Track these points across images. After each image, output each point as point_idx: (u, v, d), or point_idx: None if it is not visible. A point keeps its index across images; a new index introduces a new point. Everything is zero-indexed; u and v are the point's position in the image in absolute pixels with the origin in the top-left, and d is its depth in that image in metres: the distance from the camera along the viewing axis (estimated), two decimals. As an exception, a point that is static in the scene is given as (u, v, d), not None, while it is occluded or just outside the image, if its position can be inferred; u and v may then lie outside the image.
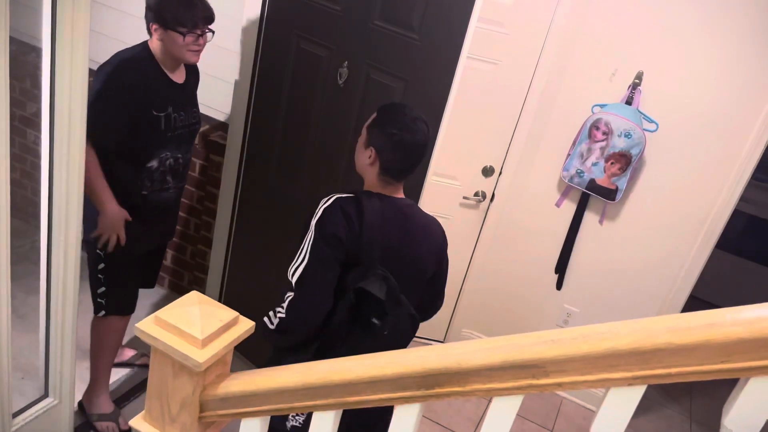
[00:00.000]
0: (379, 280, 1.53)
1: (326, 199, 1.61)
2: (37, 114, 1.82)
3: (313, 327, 1.57)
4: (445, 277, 1.84)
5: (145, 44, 2.11)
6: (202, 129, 2.78)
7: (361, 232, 1.55)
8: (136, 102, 2.06)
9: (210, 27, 2.08)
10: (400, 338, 1.64)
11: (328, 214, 1.57)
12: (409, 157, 1.61)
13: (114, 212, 2.13)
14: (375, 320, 1.54)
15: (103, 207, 2.11)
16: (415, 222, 1.68)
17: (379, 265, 1.55)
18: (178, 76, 2.18)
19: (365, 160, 1.63)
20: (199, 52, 2.09)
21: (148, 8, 2.03)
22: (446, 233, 1.79)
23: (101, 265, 2.23)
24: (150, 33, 2.05)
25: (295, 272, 1.56)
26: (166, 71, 2.12)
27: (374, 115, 1.64)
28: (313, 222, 1.57)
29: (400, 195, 1.69)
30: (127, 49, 2.12)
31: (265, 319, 1.60)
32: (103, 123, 2.03)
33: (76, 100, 1.77)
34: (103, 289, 2.27)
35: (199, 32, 2.03)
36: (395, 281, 1.55)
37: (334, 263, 1.55)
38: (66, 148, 1.82)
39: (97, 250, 2.21)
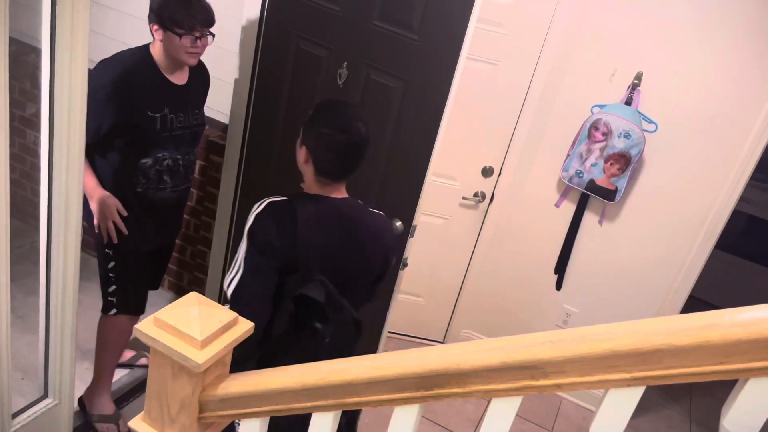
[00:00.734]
0: (318, 286, 1.47)
1: (258, 204, 1.54)
2: (37, 114, 1.82)
3: (254, 338, 1.53)
4: (385, 275, 1.79)
5: (146, 45, 2.12)
6: (201, 129, 2.79)
7: (295, 237, 1.49)
8: (127, 100, 2.06)
9: (210, 30, 2.07)
10: (344, 344, 1.57)
11: (259, 222, 1.51)
12: (343, 158, 1.54)
13: (101, 198, 2.14)
14: (318, 325, 1.50)
15: (88, 194, 2.13)
16: (359, 223, 1.62)
17: (317, 270, 1.50)
18: (179, 78, 2.17)
19: (300, 158, 1.58)
20: (197, 54, 2.09)
21: (150, 9, 2.03)
22: (446, 234, 1.79)
23: (111, 264, 2.25)
24: (151, 34, 2.06)
25: (230, 284, 1.50)
26: (164, 72, 2.12)
27: (310, 112, 1.59)
28: (246, 230, 1.51)
29: (341, 195, 1.62)
30: (128, 49, 2.13)
31: None
32: (91, 117, 2.03)
33: (76, 100, 1.77)
34: (113, 287, 2.28)
35: (197, 34, 2.03)
36: (334, 286, 1.50)
37: (269, 272, 1.49)
38: (65, 148, 1.82)
39: (106, 249, 2.23)
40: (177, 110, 2.18)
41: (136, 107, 2.08)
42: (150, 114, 2.11)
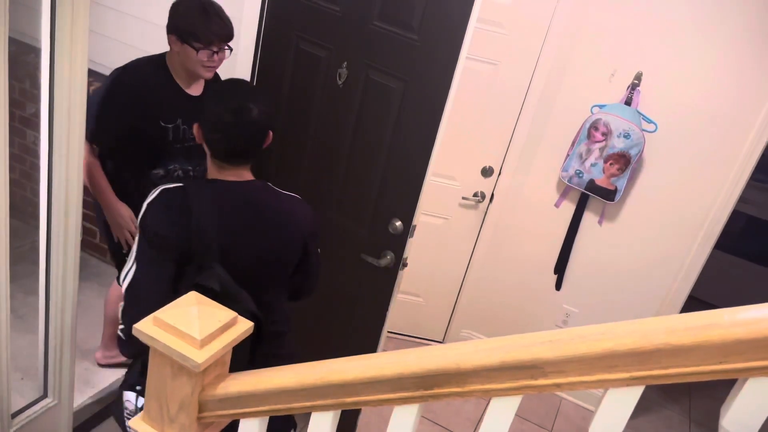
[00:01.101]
0: (214, 275, 1.41)
1: (151, 192, 1.49)
2: (37, 114, 1.82)
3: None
4: (315, 265, 1.73)
5: (162, 54, 2.10)
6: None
7: (188, 225, 1.43)
8: (140, 109, 2.04)
9: (228, 44, 2.03)
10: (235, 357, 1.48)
11: (150, 211, 1.46)
12: (230, 139, 1.49)
13: (117, 210, 2.15)
14: None
15: (106, 206, 2.14)
16: (263, 208, 1.56)
17: (215, 259, 1.44)
18: (194, 89, 2.15)
19: (196, 137, 1.55)
20: (213, 68, 2.05)
21: (168, 20, 2.00)
22: (445, 234, 1.77)
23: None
24: (168, 43, 2.03)
25: (124, 279, 1.46)
26: (179, 83, 2.10)
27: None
28: (138, 221, 1.48)
29: (245, 178, 1.55)
30: (144, 57, 2.11)
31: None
32: (103, 123, 2.03)
33: (76, 100, 1.77)
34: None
35: (215, 49, 1.99)
36: (239, 275, 1.43)
37: (163, 263, 1.45)
38: (65, 148, 1.82)
39: (123, 252, 2.25)
40: (190, 121, 2.13)
41: (150, 117, 2.06)
42: (162, 124, 2.09)
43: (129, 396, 1.56)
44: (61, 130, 1.79)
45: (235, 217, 1.51)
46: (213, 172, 1.55)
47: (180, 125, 2.12)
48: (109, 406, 1.50)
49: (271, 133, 1.58)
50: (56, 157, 1.83)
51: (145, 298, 1.44)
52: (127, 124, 2.04)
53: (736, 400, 0.78)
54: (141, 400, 1.52)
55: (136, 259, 1.46)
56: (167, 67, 2.08)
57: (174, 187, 1.49)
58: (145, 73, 2.05)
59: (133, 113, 2.03)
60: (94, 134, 2.04)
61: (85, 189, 1.99)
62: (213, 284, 1.38)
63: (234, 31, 2.02)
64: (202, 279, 1.39)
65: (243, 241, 1.52)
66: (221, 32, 1.98)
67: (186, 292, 1.38)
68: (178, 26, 1.96)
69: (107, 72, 2.94)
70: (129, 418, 1.56)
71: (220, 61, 2.03)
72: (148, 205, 1.48)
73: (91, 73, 2.83)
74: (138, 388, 1.55)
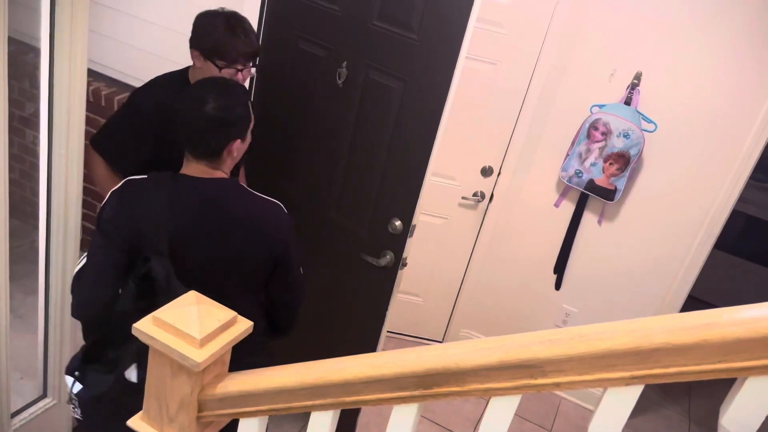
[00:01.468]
0: (159, 267, 1.41)
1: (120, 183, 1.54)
2: (36, 114, 1.82)
3: (91, 319, 1.51)
4: (292, 276, 1.66)
5: (184, 70, 2.00)
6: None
7: (138, 216, 1.46)
8: (158, 124, 1.91)
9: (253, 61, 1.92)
10: None
11: (107, 201, 1.50)
12: (184, 127, 1.50)
13: None
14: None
15: None
16: (226, 208, 1.53)
17: (165, 252, 1.44)
18: None
19: None
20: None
21: (192, 35, 1.89)
22: (445, 233, 1.76)
23: None
24: (191, 58, 1.92)
25: (78, 264, 1.52)
26: None
27: None
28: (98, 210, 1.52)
29: (212, 175, 1.53)
30: (167, 73, 2.01)
31: None
32: (118, 138, 1.97)
33: (75, 100, 1.78)
34: None
35: (239, 67, 1.88)
36: (178, 273, 1.43)
37: (109, 251, 1.47)
38: (65, 148, 1.82)
39: None
40: None
41: (167, 130, 1.99)
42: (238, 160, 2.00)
43: (68, 380, 1.56)
44: (61, 130, 1.79)
45: (189, 213, 1.49)
46: (184, 165, 1.56)
47: None
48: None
49: (238, 140, 1.53)
50: (56, 157, 1.83)
51: (89, 284, 1.49)
52: (151, 146, 1.93)
53: (735, 399, 0.78)
54: (78, 386, 1.53)
55: (89, 246, 1.50)
56: (188, 81, 1.96)
57: (139, 178, 1.52)
58: (163, 88, 1.95)
59: (147, 127, 1.93)
60: (114, 159, 1.97)
61: (85, 188, 1.98)
62: (157, 276, 1.40)
63: (259, 46, 1.93)
64: (148, 269, 1.42)
65: (196, 239, 1.50)
66: (247, 50, 1.87)
67: (131, 283, 1.44)
68: (201, 43, 1.86)
69: (106, 72, 2.96)
70: (71, 402, 1.57)
71: (245, 79, 1.92)
72: (110, 193, 1.51)
73: (91, 73, 2.83)
74: (76, 374, 1.54)
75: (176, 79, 1.94)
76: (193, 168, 1.54)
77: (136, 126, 1.95)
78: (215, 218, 1.51)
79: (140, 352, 1.44)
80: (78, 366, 1.54)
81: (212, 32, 1.83)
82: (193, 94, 1.51)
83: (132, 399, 1.35)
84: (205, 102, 1.47)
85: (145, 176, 1.52)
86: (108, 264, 1.48)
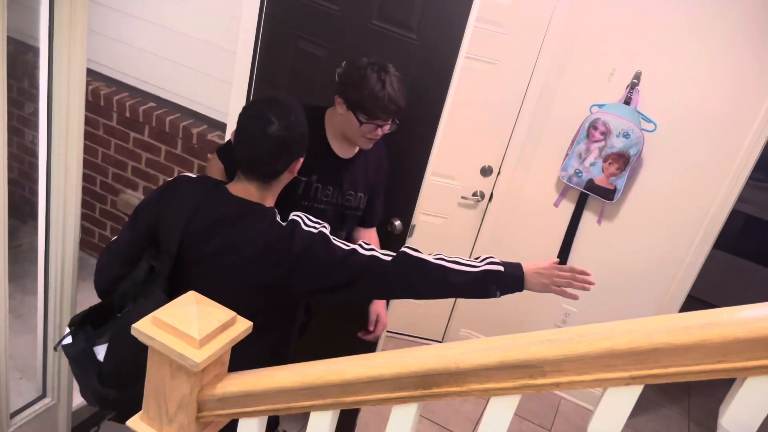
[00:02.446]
0: (160, 262, 1.48)
1: None
2: (35, 114, 1.82)
3: (98, 287, 1.61)
4: (321, 277, 1.53)
5: (322, 108, 1.93)
6: (199, 129, 2.79)
7: (163, 211, 1.53)
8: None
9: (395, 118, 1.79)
10: (119, 345, 1.49)
11: (153, 190, 1.60)
12: (240, 144, 1.50)
13: None
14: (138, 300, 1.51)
15: None
16: (231, 226, 1.50)
17: (171, 251, 1.48)
18: (345, 150, 1.91)
19: None
20: (373, 141, 1.84)
21: (338, 80, 1.83)
22: (445, 233, 1.75)
23: None
24: (335, 102, 1.84)
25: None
26: (330, 141, 1.88)
27: None
28: None
29: (248, 197, 1.52)
30: (306, 105, 1.88)
31: None
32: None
33: (74, 99, 1.77)
34: None
35: (379, 123, 1.78)
36: (167, 270, 1.47)
37: (129, 233, 1.58)
38: (64, 148, 1.82)
39: None
40: (328, 182, 1.91)
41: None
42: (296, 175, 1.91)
43: (66, 330, 1.60)
44: (60, 130, 1.79)
45: (205, 225, 1.49)
46: (234, 180, 1.55)
47: (314, 182, 1.89)
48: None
49: (300, 159, 1.53)
50: (55, 157, 1.83)
51: (105, 256, 1.62)
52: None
53: (735, 399, 0.78)
54: (68, 339, 1.57)
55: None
56: (323, 119, 1.89)
57: (187, 177, 1.59)
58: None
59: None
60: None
61: (84, 188, 1.98)
62: (158, 267, 1.48)
63: (403, 101, 1.79)
64: (151, 258, 1.51)
65: (203, 251, 1.50)
66: (391, 107, 1.76)
67: (139, 270, 1.51)
68: (349, 94, 1.76)
69: (106, 71, 2.95)
70: (56, 349, 1.65)
71: (383, 133, 1.82)
72: (164, 182, 1.63)
73: (90, 73, 2.83)
74: (72, 328, 1.58)
75: (311, 111, 1.76)
76: (241, 187, 1.52)
77: None
78: (224, 237, 1.50)
79: (115, 336, 1.49)
80: (77, 322, 1.57)
81: (362, 87, 1.74)
82: (255, 113, 1.50)
83: (90, 375, 1.48)
84: (266, 122, 1.45)
85: (198, 176, 1.59)
86: (124, 244, 1.58)
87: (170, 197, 1.55)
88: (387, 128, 1.80)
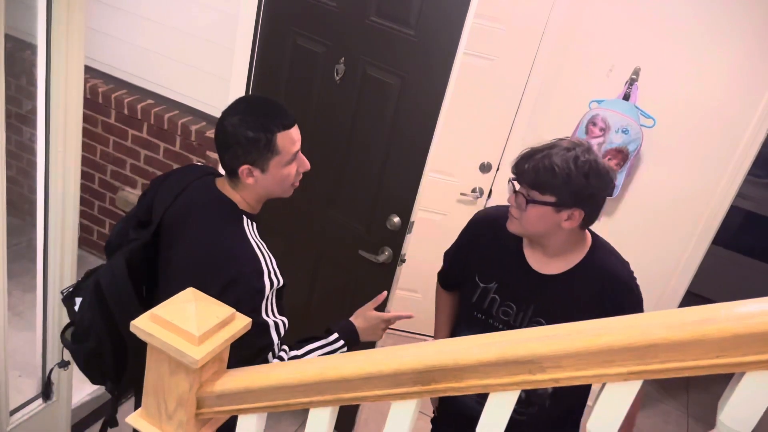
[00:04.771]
0: (135, 233, 1.52)
1: None
2: (33, 111, 1.82)
3: (105, 246, 1.65)
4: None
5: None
6: (197, 126, 2.79)
7: (159, 190, 1.59)
8: (470, 252, 1.75)
9: (531, 196, 1.49)
10: (83, 299, 1.54)
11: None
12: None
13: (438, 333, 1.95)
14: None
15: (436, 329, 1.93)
16: (197, 220, 1.51)
17: (152, 228, 1.53)
18: (545, 264, 1.59)
19: None
20: (512, 217, 1.56)
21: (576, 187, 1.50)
22: (444, 230, 1.75)
23: None
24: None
25: None
26: (525, 246, 1.62)
27: None
28: None
29: (228, 193, 1.51)
30: (501, 208, 1.71)
31: None
32: (449, 252, 1.90)
33: (72, 96, 1.77)
34: None
35: (513, 192, 1.54)
36: (139, 242, 1.51)
37: (140, 200, 1.65)
38: (62, 145, 1.82)
39: None
40: (510, 297, 1.62)
41: (470, 264, 1.71)
42: (476, 279, 1.67)
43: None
44: (58, 127, 1.79)
45: (180, 210, 1.54)
46: None
47: (493, 294, 1.65)
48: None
49: (247, 166, 1.44)
50: (53, 154, 1.83)
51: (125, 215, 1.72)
52: (453, 261, 1.85)
53: (733, 394, 0.78)
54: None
55: None
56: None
57: (193, 165, 1.72)
58: (496, 219, 1.66)
59: (464, 254, 1.78)
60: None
61: (82, 186, 1.98)
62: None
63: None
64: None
65: (171, 234, 1.54)
66: (529, 178, 1.51)
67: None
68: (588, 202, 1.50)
69: (104, 69, 2.95)
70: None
71: (517, 210, 1.54)
72: None
73: (88, 70, 2.82)
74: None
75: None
76: (221, 179, 1.55)
77: (461, 238, 1.88)
78: (186, 226, 1.52)
79: (86, 289, 1.53)
80: (90, 273, 1.61)
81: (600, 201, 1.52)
82: (231, 103, 1.51)
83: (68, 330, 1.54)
84: (226, 114, 1.47)
85: (198, 165, 1.67)
86: (130, 214, 1.66)
87: (166, 179, 1.63)
88: (520, 203, 1.51)
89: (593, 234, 1.66)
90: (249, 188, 1.50)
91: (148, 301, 1.54)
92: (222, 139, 1.47)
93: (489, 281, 1.64)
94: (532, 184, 1.47)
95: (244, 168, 1.45)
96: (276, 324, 1.44)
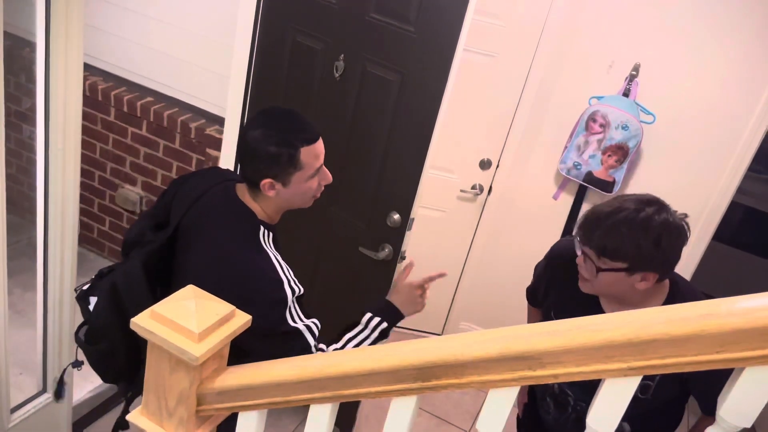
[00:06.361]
0: (153, 235, 1.53)
1: None
2: (32, 109, 1.82)
3: (125, 240, 1.63)
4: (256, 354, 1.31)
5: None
6: (197, 123, 2.78)
7: (178, 192, 1.60)
8: (548, 290, 1.77)
9: (601, 262, 1.44)
10: (98, 300, 1.53)
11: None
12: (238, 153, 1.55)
13: None
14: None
15: None
16: (214, 230, 1.50)
17: (170, 230, 1.53)
18: (611, 305, 1.59)
19: None
20: (583, 278, 1.53)
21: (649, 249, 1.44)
22: (444, 226, 1.74)
23: None
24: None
25: None
26: (600, 297, 1.61)
27: None
28: None
29: (239, 196, 1.51)
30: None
31: None
32: (533, 283, 1.93)
33: (71, 94, 1.77)
34: None
35: (582, 254, 1.50)
36: (157, 244, 1.51)
37: (157, 202, 1.67)
38: (61, 143, 1.81)
39: None
40: None
41: (549, 297, 1.75)
42: (551, 315, 1.72)
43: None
44: (58, 125, 1.79)
45: (196, 216, 1.53)
46: None
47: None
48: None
49: (269, 180, 1.43)
50: (52, 152, 1.82)
51: (142, 213, 1.80)
52: (537, 287, 1.87)
53: (733, 389, 0.78)
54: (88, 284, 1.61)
55: None
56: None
57: (216, 168, 1.70)
58: (561, 260, 1.67)
59: (546, 282, 1.78)
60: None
61: (82, 184, 1.98)
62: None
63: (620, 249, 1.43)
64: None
65: (187, 239, 1.53)
66: (595, 242, 1.46)
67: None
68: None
69: (103, 66, 2.94)
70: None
71: (588, 277, 1.51)
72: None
73: (88, 68, 2.82)
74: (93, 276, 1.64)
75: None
76: (241, 187, 1.53)
77: (538, 270, 1.93)
78: (203, 232, 1.51)
79: (99, 291, 1.53)
80: (104, 273, 1.61)
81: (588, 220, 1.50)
82: (254, 114, 1.56)
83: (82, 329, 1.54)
84: (249, 127, 1.46)
85: (219, 169, 1.69)
86: (146, 214, 1.66)
87: (186, 182, 1.63)
88: (590, 268, 1.48)
89: (672, 281, 1.60)
90: (269, 200, 1.49)
91: None
92: (244, 151, 1.46)
93: (561, 313, 1.66)
94: (602, 252, 1.43)
95: (266, 182, 1.44)
96: (308, 327, 1.45)
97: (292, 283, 1.44)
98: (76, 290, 1.64)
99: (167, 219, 1.58)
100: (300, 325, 1.43)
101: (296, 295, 1.45)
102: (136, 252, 1.50)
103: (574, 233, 1.54)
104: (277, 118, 1.48)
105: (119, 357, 1.52)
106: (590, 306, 1.60)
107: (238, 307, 1.22)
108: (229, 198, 1.51)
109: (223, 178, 1.60)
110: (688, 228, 1.46)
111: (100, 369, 1.60)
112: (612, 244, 1.41)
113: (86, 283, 1.61)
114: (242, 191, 1.52)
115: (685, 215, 1.48)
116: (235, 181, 1.57)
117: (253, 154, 1.43)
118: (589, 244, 1.45)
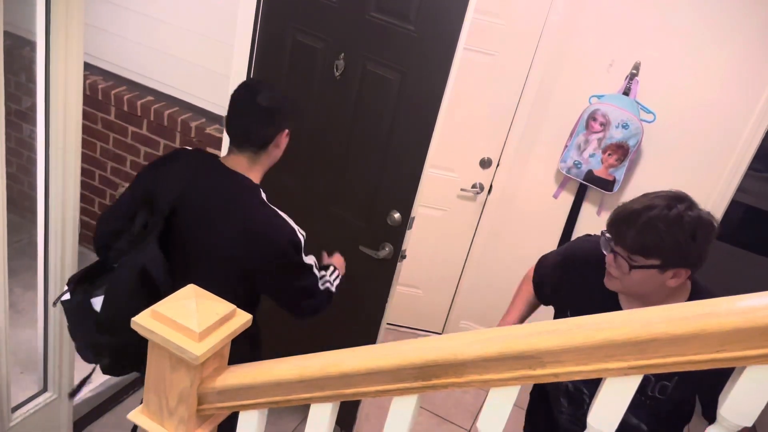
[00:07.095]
0: (151, 222, 1.57)
1: None
2: (33, 108, 1.82)
3: (98, 241, 1.69)
4: (282, 291, 1.69)
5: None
6: (197, 122, 2.78)
7: (160, 176, 1.65)
8: (562, 290, 1.75)
9: (634, 260, 1.45)
10: (114, 292, 1.55)
11: (156, 158, 1.76)
12: (233, 114, 1.61)
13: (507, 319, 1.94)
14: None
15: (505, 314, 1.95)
16: (231, 202, 1.61)
17: (162, 214, 1.57)
18: (632, 305, 1.58)
19: None
20: (611, 276, 1.53)
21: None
22: (444, 225, 1.76)
23: None
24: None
25: None
26: (620, 296, 1.59)
27: None
28: None
29: (236, 169, 1.62)
30: (594, 240, 1.69)
31: None
32: (547, 276, 1.89)
33: (71, 93, 1.77)
34: None
35: (611, 252, 1.52)
36: (158, 230, 1.54)
37: (129, 193, 1.69)
38: (62, 142, 1.81)
39: None
40: None
41: (564, 297, 1.73)
42: (567, 314, 1.68)
43: (66, 287, 1.66)
44: (58, 124, 1.79)
45: (197, 194, 1.61)
46: (226, 154, 1.66)
47: None
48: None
49: (284, 132, 1.64)
50: (53, 151, 1.82)
51: (107, 209, 1.77)
52: (553, 285, 1.81)
53: (734, 388, 0.78)
54: (66, 296, 1.62)
55: None
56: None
57: (188, 149, 1.72)
58: (589, 252, 1.67)
59: (562, 283, 1.75)
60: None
61: (82, 182, 1.98)
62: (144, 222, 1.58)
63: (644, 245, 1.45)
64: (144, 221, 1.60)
65: (193, 218, 1.60)
66: (629, 243, 1.47)
67: (134, 226, 1.59)
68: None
69: (103, 65, 2.94)
70: (54, 304, 1.72)
71: (618, 273, 1.50)
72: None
73: (88, 67, 2.82)
74: (70, 285, 1.64)
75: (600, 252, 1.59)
76: (232, 159, 1.63)
77: (554, 261, 1.88)
78: (216, 208, 1.60)
79: (111, 285, 1.56)
80: (76, 279, 1.64)
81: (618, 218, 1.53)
82: (245, 85, 1.65)
83: (86, 326, 1.56)
84: (257, 92, 1.58)
85: (194, 150, 1.71)
86: (124, 203, 1.69)
87: (170, 167, 1.67)
88: (622, 266, 1.47)
89: (694, 280, 1.60)
90: (266, 160, 1.66)
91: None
92: (257, 116, 1.59)
93: (579, 313, 1.63)
94: (638, 250, 1.42)
95: (283, 134, 1.64)
96: (314, 263, 1.73)
97: (299, 230, 1.67)
98: (54, 304, 1.65)
99: (146, 205, 1.62)
100: (310, 260, 1.71)
101: (303, 239, 1.69)
102: (145, 240, 1.55)
103: (600, 232, 1.54)
104: (258, 83, 1.68)
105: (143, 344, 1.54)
106: (609, 304, 1.58)
107: (270, 256, 1.58)
108: (226, 173, 1.61)
109: (204, 156, 1.70)
110: (717, 223, 1.46)
111: (120, 361, 1.62)
112: (650, 242, 1.40)
113: (65, 293, 1.63)
114: (234, 163, 1.62)
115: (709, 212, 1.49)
116: (216, 158, 1.67)
117: (270, 112, 1.59)
118: (622, 243, 1.44)
